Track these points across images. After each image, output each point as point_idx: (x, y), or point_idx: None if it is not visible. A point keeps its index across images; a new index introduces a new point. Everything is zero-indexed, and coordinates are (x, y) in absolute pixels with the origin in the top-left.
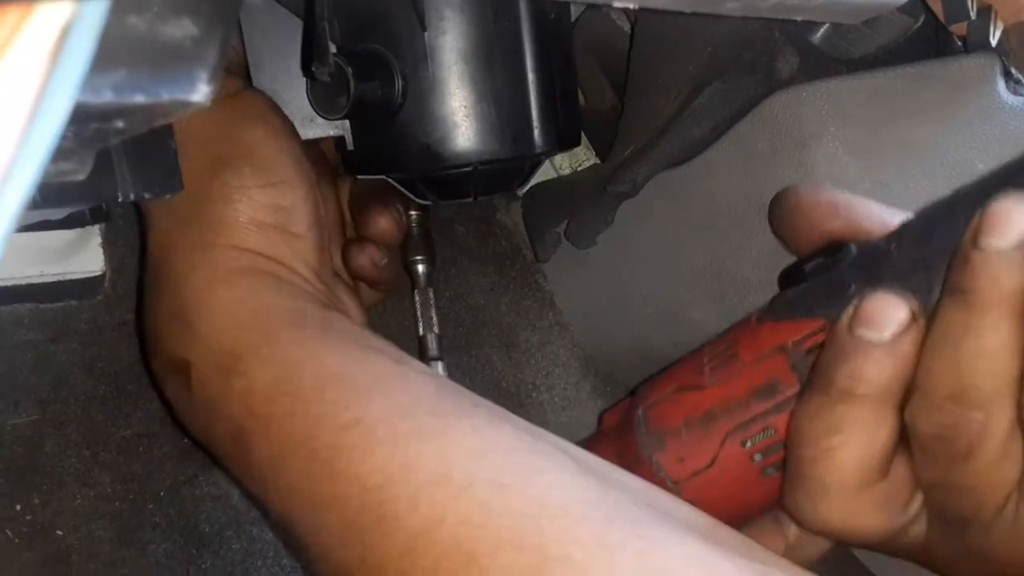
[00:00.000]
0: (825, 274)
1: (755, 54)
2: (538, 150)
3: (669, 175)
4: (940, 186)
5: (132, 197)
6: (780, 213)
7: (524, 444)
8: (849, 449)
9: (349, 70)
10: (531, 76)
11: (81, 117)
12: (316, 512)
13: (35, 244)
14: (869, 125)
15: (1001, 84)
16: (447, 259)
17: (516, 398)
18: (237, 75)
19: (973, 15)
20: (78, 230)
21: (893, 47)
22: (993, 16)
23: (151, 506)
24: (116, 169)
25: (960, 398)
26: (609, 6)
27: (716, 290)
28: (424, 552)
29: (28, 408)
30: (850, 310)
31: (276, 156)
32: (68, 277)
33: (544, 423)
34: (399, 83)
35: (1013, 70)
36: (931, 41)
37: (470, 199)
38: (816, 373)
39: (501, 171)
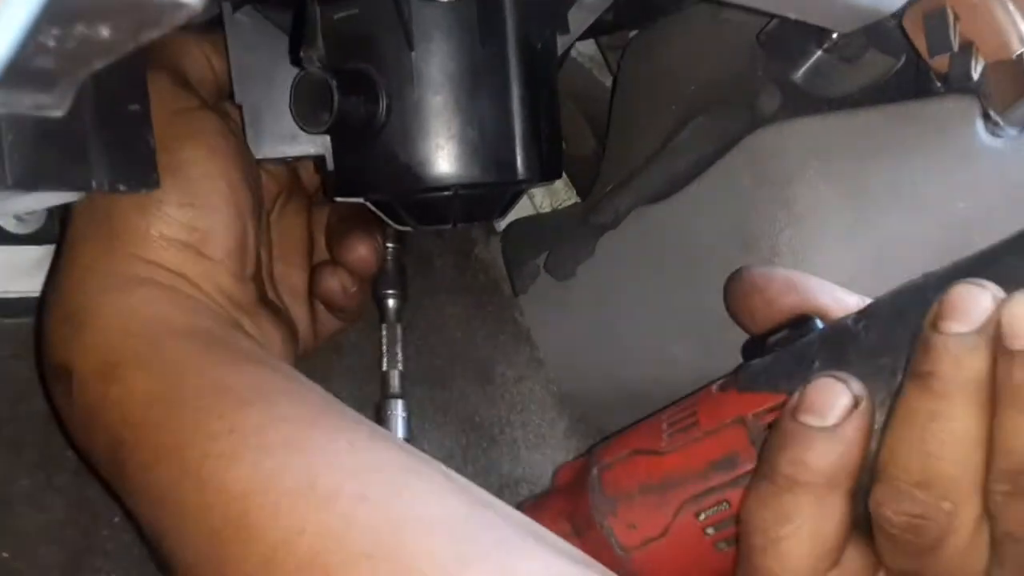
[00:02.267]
0: (790, 348)
1: (738, 92)
2: (520, 177)
3: (651, 210)
4: (921, 223)
5: (106, 187)
6: (736, 293)
7: (399, 462)
8: (798, 540)
9: (334, 83)
10: (516, 102)
11: (67, 12)
12: (182, 523)
13: (2, 260)
14: (851, 162)
15: (980, 125)
16: (424, 291)
17: (489, 433)
18: (206, 93)
19: (955, 47)
20: (45, 248)
21: (875, 86)
22: (975, 52)
23: (105, 532)
24: (92, 158)
25: (928, 486)
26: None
27: (697, 326)
28: (282, 564)
29: None
30: (796, 395)
31: (205, 178)
32: (35, 294)
33: (516, 460)
34: (383, 102)
35: (992, 112)
36: (912, 81)
37: (449, 225)
38: (763, 458)
39: (482, 197)
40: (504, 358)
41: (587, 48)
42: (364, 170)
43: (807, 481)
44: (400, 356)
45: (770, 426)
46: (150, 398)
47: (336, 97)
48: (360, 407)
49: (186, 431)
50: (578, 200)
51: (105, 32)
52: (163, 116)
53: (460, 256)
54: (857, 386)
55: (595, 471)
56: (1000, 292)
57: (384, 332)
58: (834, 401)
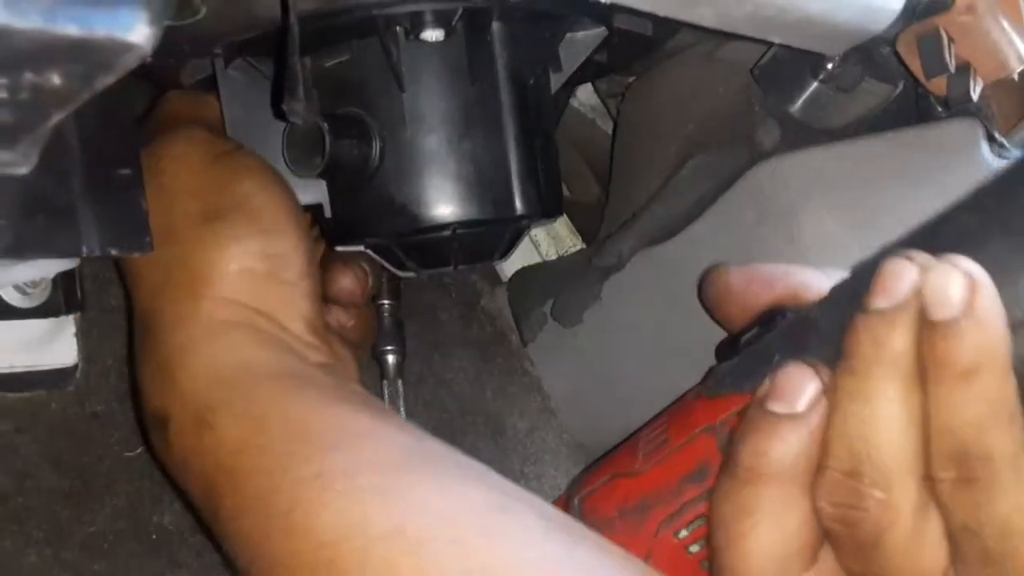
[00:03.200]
0: (755, 345)
1: (736, 128)
2: (518, 213)
3: (655, 251)
4: None
5: (97, 252)
6: (711, 297)
7: (492, 503)
8: (757, 535)
9: (325, 126)
10: (511, 139)
11: (11, 57)
12: (272, 570)
13: (7, 335)
14: (855, 192)
15: (985, 147)
16: (430, 345)
17: None
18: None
19: (952, 68)
20: (52, 320)
21: (873, 116)
22: (972, 72)
23: None
24: (82, 223)
25: (858, 474)
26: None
27: (707, 364)
28: None
29: None
30: (765, 384)
31: (268, 206)
32: (40, 368)
33: None
34: (377, 144)
35: (996, 134)
36: (912, 108)
37: (450, 268)
38: (727, 454)
39: (481, 236)
40: (515, 409)
41: (588, 98)
42: (361, 214)
43: (768, 473)
44: (403, 412)
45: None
46: (240, 445)
47: (328, 140)
48: None
49: (274, 477)
50: (583, 247)
51: (56, 79)
52: (207, 161)
53: (466, 308)
54: (827, 373)
55: (576, 501)
56: (930, 259)
57: (385, 389)
58: (803, 387)
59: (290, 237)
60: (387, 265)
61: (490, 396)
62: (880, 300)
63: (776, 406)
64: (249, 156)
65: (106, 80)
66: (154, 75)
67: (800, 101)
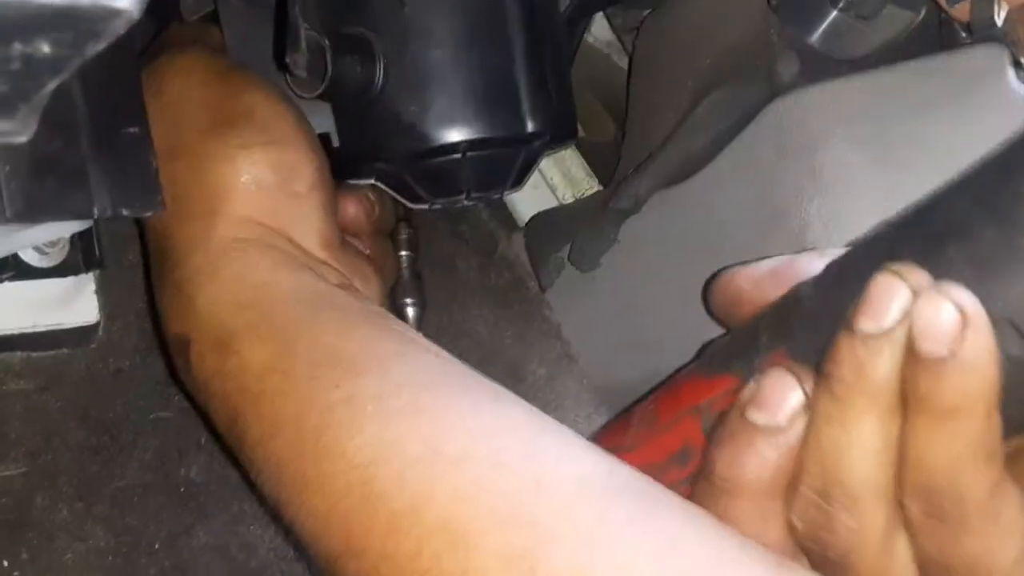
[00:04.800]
0: (749, 322)
1: (754, 61)
2: (529, 130)
3: (673, 191)
4: None
5: (109, 213)
6: (721, 306)
7: (529, 422)
8: None
9: (326, 42)
10: (518, 52)
11: None
12: (303, 495)
13: (29, 295)
14: (877, 124)
15: (1011, 74)
16: (449, 295)
17: None
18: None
19: None
20: (72, 279)
21: (895, 44)
22: None
23: (145, 560)
24: (92, 184)
25: (827, 497)
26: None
27: None
28: (408, 532)
29: (18, 460)
30: (750, 386)
31: (276, 117)
32: (62, 327)
33: None
34: (380, 61)
35: (1022, 59)
36: (935, 36)
37: (463, 194)
38: (707, 452)
39: (493, 159)
40: (535, 356)
41: (603, 33)
42: (369, 137)
43: (743, 486)
44: None
45: (722, 413)
46: (265, 369)
47: (330, 58)
48: None
49: (302, 402)
50: (601, 189)
51: (46, 48)
52: (212, 74)
53: (483, 256)
54: (811, 382)
55: None
56: (924, 280)
57: None
58: (786, 399)
59: (300, 147)
60: (398, 197)
61: (509, 343)
62: (867, 322)
63: (757, 416)
64: (249, 71)
65: (97, 46)
66: (155, 10)
67: (819, 31)
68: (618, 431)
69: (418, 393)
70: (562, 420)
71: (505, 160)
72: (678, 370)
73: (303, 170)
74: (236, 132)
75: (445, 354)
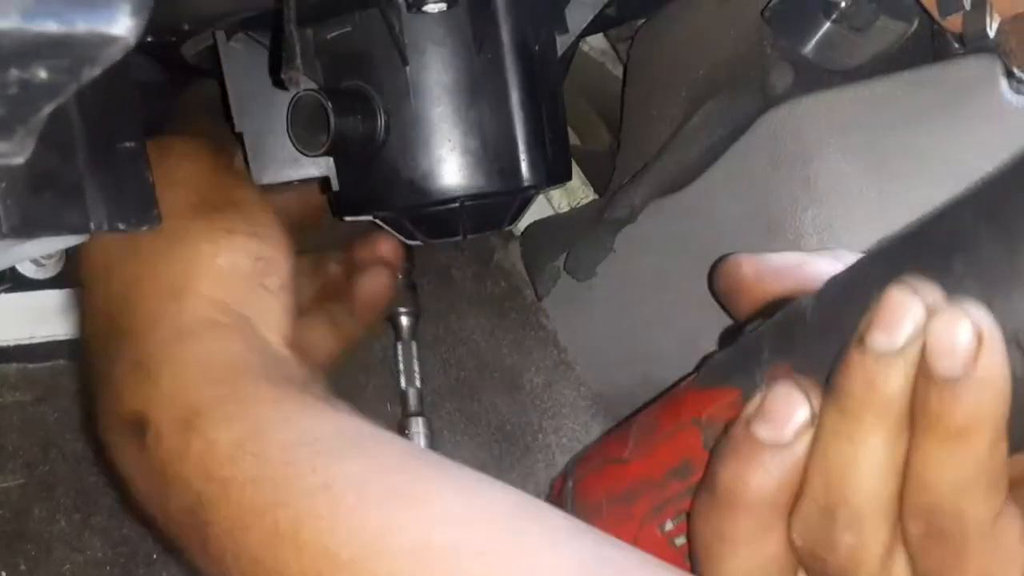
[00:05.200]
0: (748, 336)
1: (748, 71)
2: (526, 183)
3: (669, 200)
4: (949, 191)
5: (105, 228)
6: (722, 288)
7: (512, 505)
8: (735, 560)
9: (329, 104)
10: (517, 108)
11: None
12: None
13: (25, 307)
14: (870, 134)
15: (1004, 84)
16: (445, 305)
17: (522, 442)
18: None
19: (967, 5)
20: (68, 291)
21: (888, 55)
22: (988, 7)
23: (143, 570)
24: (89, 199)
25: (830, 514)
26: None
27: (722, 315)
28: None
29: (16, 471)
30: (756, 399)
31: (263, 214)
32: (59, 338)
33: (552, 466)
34: (381, 118)
35: (1015, 69)
36: (928, 47)
37: (459, 237)
38: (709, 464)
39: (489, 207)
40: (531, 364)
41: (598, 42)
42: (368, 188)
43: (746, 500)
44: (417, 373)
45: (726, 427)
46: (235, 451)
47: (332, 118)
48: (390, 425)
49: (278, 488)
50: (596, 197)
51: (43, 73)
52: (212, 165)
53: (479, 265)
54: (817, 396)
55: (570, 483)
56: (938, 297)
57: (400, 351)
58: (792, 414)
59: (280, 247)
60: (396, 235)
61: (506, 351)
62: (880, 337)
63: (762, 431)
64: (243, 172)
65: (93, 72)
66: (155, 50)
67: (813, 42)
68: (618, 442)
69: (400, 479)
70: (559, 428)
71: (501, 206)
72: (677, 382)
73: (278, 268)
74: (224, 217)
75: (412, 443)
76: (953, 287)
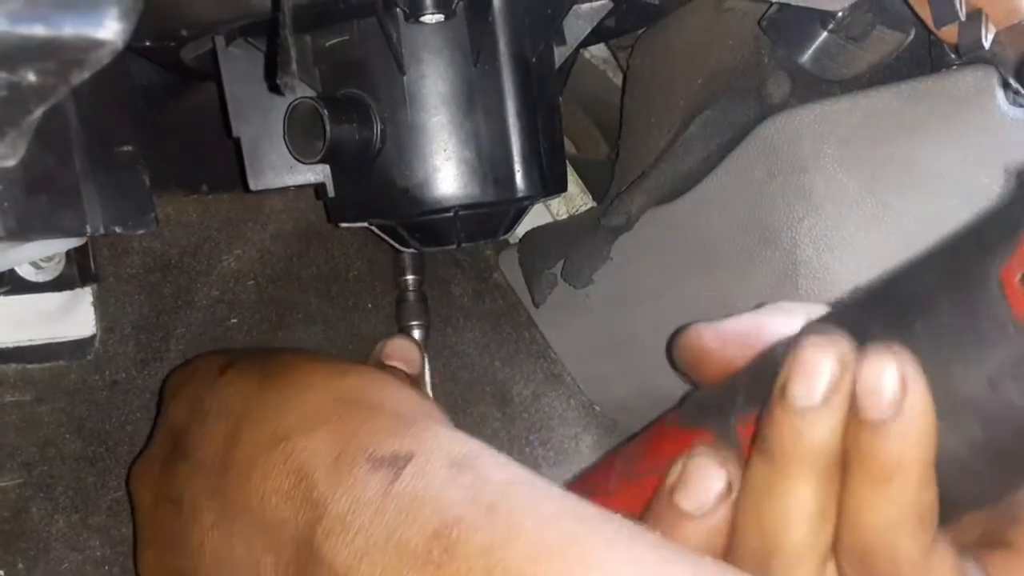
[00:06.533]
0: (729, 378)
1: (745, 81)
2: (520, 194)
3: (665, 209)
4: (945, 202)
5: (101, 231)
6: (685, 360)
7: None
8: None
9: (325, 112)
10: (513, 119)
11: None
12: None
13: (25, 309)
14: (867, 145)
15: (1000, 95)
16: (444, 319)
17: (510, 453)
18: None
19: (962, 16)
20: (68, 293)
21: (885, 65)
22: (984, 18)
23: None
24: (85, 202)
25: (765, 564)
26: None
27: None
28: None
29: (14, 471)
30: (675, 470)
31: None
32: (58, 339)
33: None
34: (377, 127)
35: (1011, 80)
36: (924, 57)
37: (453, 246)
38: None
39: (484, 216)
40: (521, 377)
41: (599, 50)
42: (364, 196)
43: None
44: (429, 384)
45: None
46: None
47: (328, 125)
48: None
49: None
50: (594, 205)
51: (31, 76)
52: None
53: (478, 282)
54: (735, 470)
55: None
56: (850, 349)
57: None
58: (709, 484)
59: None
60: (390, 241)
61: (498, 365)
62: (798, 391)
63: (683, 502)
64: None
65: (82, 75)
66: (155, 54)
67: (810, 52)
68: (602, 474)
69: (572, 528)
70: (548, 440)
71: (496, 216)
72: (664, 413)
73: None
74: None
75: None
76: (914, 345)
